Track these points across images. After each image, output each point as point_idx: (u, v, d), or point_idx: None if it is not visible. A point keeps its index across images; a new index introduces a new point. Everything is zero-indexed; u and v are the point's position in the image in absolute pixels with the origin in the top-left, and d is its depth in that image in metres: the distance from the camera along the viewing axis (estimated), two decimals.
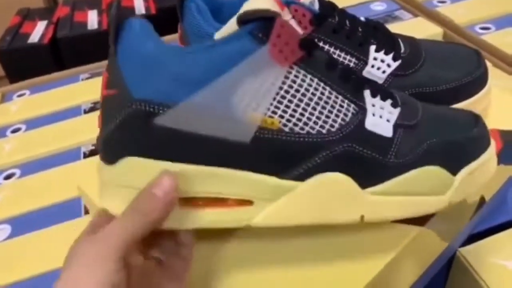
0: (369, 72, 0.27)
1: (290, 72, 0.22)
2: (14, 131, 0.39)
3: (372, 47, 0.28)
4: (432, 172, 0.23)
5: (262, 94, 0.22)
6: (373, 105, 0.23)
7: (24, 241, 0.30)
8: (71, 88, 0.44)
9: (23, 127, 0.39)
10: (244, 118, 0.22)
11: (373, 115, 0.23)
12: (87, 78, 0.45)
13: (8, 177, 0.35)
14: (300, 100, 0.22)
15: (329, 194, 0.23)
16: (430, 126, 0.24)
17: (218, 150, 0.22)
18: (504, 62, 0.37)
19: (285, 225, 0.23)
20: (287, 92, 0.22)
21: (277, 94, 0.22)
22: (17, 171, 0.35)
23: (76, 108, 0.41)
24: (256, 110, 0.22)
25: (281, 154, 0.22)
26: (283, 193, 0.23)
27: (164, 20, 0.53)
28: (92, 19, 0.57)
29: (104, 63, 0.46)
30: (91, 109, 0.40)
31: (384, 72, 0.27)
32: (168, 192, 0.21)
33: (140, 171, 0.22)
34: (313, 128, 0.22)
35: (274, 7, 0.22)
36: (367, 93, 0.24)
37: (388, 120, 0.23)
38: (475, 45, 0.38)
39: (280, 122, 0.22)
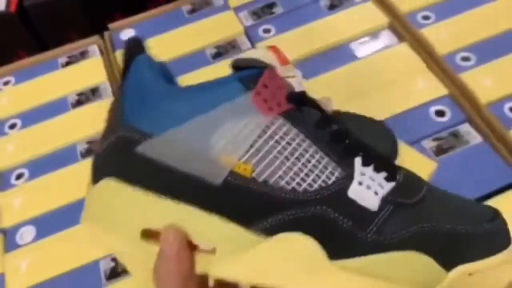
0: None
1: (273, 123, 0.22)
2: (11, 127, 0.44)
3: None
4: (417, 259, 0.21)
5: (240, 139, 0.22)
6: (362, 174, 0.22)
7: (50, 241, 0.36)
8: (53, 77, 0.47)
9: (19, 122, 0.44)
10: (219, 159, 0.22)
11: (360, 184, 0.22)
12: (67, 64, 0.48)
13: (18, 177, 0.41)
14: (280, 153, 0.22)
15: (290, 256, 0.22)
16: (430, 209, 0.22)
17: (190, 187, 0.22)
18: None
19: (245, 281, 0.23)
20: (266, 142, 0.22)
21: (256, 142, 0.22)
22: (26, 171, 0.41)
23: (62, 101, 0.45)
24: (231, 153, 0.22)
25: (250, 204, 0.22)
26: (246, 245, 0.22)
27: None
28: None
29: (79, 43, 0.49)
30: (78, 103, 0.45)
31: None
32: (175, 248, 0.22)
33: (113, 193, 0.23)
34: (288, 184, 0.22)
35: (270, 60, 0.24)
36: (357, 160, 0.22)
37: (376, 193, 0.22)
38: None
39: (253, 171, 0.22)
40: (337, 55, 0.43)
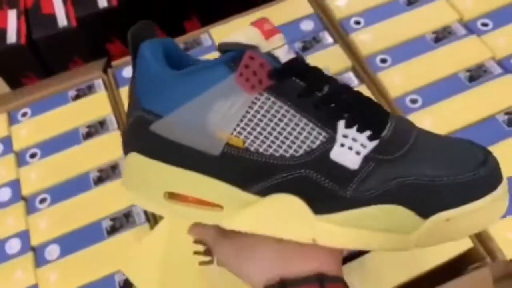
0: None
1: (258, 99, 0.25)
2: (32, 156, 0.51)
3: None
4: (393, 212, 0.24)
5: (230, 116, 0.25)
6: (345, 136, 0.24)
7: (72, 258, 0.44)
8: (64, 110, 0.54)
9: (38, 152, 0.51)
10: (214, 135, 0.25)
11: (342, 145, 0.24)
12: (76, 97, 0.55)
13: (42, 202, 0.48)
14: (266, 125, 0.25)
15: (281, 213, 0.25)
16: (414, 160, 0.24)
17: (195, 158, 0.26)
18: None
19: (251, 231, 0.26)
20: (254, 116, 0.25)
21: (244, 117, 0.25)
22: (48, 196, 0.48)
23: (75, 133, 0.52)
24: (224, 129, 0.25)
25: (245, 170, 0.25)
26: (246, 204, 0.25)
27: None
28: (59, 11, 0.63)
29: (85, 76, 0.56)
30: (88, 134, 0.52)
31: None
32: None
33: (138, 165, 0.27)
34: (276, 151, 0.25)
35: (253, 38, 0.25)
36: (341, 123, 0.25)
37: (357, 153, 0.24)
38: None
39: (245, 142, 0.25)
40: None
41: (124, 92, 0.53)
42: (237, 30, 0.26)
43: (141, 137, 0.27)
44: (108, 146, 0.50)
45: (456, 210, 0.23)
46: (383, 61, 0.52)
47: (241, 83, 0.25)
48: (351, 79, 0.51)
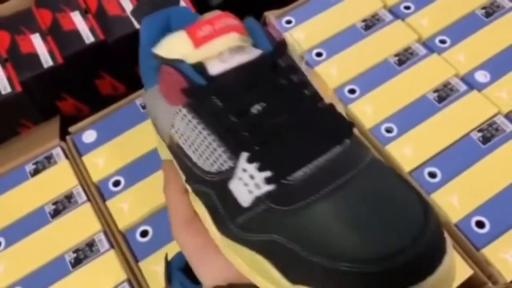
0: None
1: (178, 112, 0.25)
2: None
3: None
4: (262, 263, 0.22)
5: (165, 121, 0.27)
6: (244, 170, 0.23)
7: None
8: (24, 187, 0.49)
9: (3, 241, 0.47)
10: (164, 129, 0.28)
11: (240, 179, 0.23)
12: (35, 172, 0.50)
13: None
14: (189, 136, 0.25)
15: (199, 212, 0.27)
16: (308, 222, 0.20)
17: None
18: None
19: None
20: (178, 127, 0.26)
21: (173, 126, 0.26)
22: None
23: (40, 212, 0.48)
24: (167, 129, 0.27)
25: (185, 167, 0.27)
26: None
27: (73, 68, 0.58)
28: (40, 48, 0.58)
29: (40, 139, 0.52)
30: (56, 212, 0.48)
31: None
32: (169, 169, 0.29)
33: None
34: (198, 160, 0.25)
35: (180, 48, 0.25)
36: (244, 155, 0.23)
37: (250, 191, 0.22)
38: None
39: (182, 144, 0.26)
40: None
41: (87, 160, 0.49)
42: (169, 36, 0.25)
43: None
44: (80, 223, 0.46)
45: None
46: (352, 91, 0.51)
47: (163, 95, 0.26)
48: None
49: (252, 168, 0.22)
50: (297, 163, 0.22)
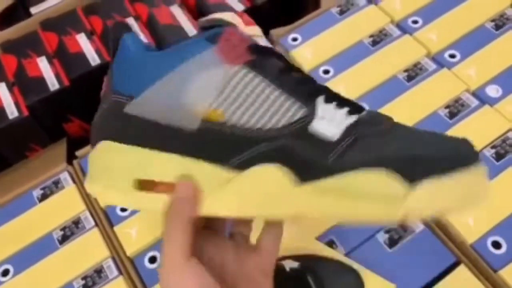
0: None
1: (238, 72, 0.25)
2: (4, 274, 0.46)
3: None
4: (377, 176, 0.23)
5: (209, 89, 0.25)
6: (324, 110, 0.25)
7: None
8: (32, 213, 0.49)
9: (11, 268, 0.46)
10: (192, 109, 0.25)
11: (322, 118, 0.25)
12: (42, 197, 0.50)
13: None
14: (246, 98, 0.24)
15: (263, 185, 0.24)
16: (395, 138, 0.24)
17: (171, 137, 0.25)
18: None
19: (229, 215, 0.25)
20: (233, 89, 0.25)
21: (224, 90, 0.25)
22: None
23: (48, 238, 0.47)
24: (202, 102, 0.25)
25: (224, 144, 0.25)
26: (224, 182, 0.25)
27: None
28: (7, 102, 0.58)
29: (47, 164, 0.52)
30: (64, 238, 0.47)
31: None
32: (191, 189, 0.24)
33: (108, 153, 0.26)
34: (257, 124, 0.24)
35: (234, 20, 0.28)
36: (320, 98, 0.25)
37: (337, 125, 0.24)
38: None
39: (224, 115, 0.25)
40: None
41: None
42: (218, 14, 0.27)
43: (115, 121, 0.26)
44: (89, 249, 0.46)
45: (447, 176, 0.23)
46: None
47: (221, 55, 0.25)
48: None
49: (332, 106, 0.25)
50: (356, 106, 0.26)
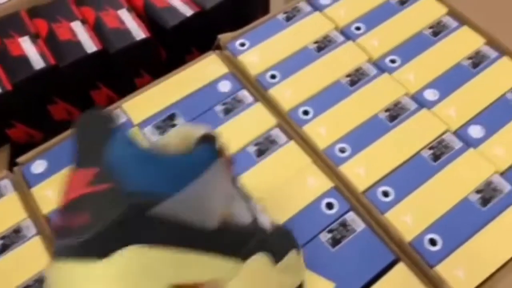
0: None
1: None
2: None
3: None
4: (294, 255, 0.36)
5: (225, 195, 0.29)
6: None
7: None
8: None
9: None
10: (217, 213, 0.28)
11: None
12: None
13: None
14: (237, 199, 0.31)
15: (261, 270, 0.31)
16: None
17: (197, 236, 0.26)
18: None
19: None
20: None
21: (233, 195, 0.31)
22: None
23: None
24: (225, 208, 0.29)
25: (234, 238, 0.29)
26: (237, 273, 0.29)
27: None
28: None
29: None
30: (3, 247, 0.46)
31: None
32: None
33: (138, 260, 0.24)
34: (248, 219, 0.31)
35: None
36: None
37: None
38: None
39: (230, 214, 0.29)
40: (237, 159, 0.49)
41: (36, 192, 0.48)
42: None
43: (139, 224, 0.24)
44: (30, 259, 0.45)
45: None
46: (305, 113, 0.52)
47: (225, 167, 0.30)
48: (279, 137, 0.50)
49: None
50: None
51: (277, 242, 0.33)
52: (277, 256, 0.32)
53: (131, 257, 0.24)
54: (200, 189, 0.27)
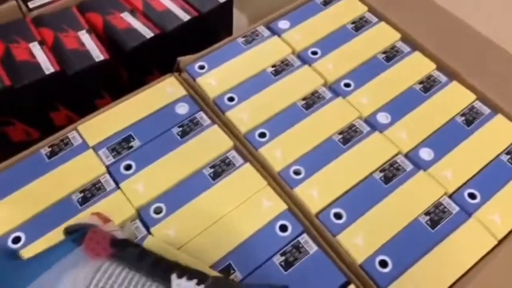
0: None
1: (103, 264, 0.30)
2: None
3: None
4: None
5: (80, 281, 0.29)
6: (178, 285, 0.31)
7: None
8: None
9: None
10: None
11: None
12: None
13: None
14: (112, 285, 0.29)
15: None
16: None
17: None
18: None
19: None
20: (99, 280, 0.29)
21: (91, 283, 0.29)
22: None
23: None
24: None
25: None
26: None
27: None
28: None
29: None
30: None
31: None
32: None
33: None
34: None
35: (95, 222, 0.32)
36: (174, 275, 0.31)
37: None
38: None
39: None
40: (192, 182, 0.49)
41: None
42: (80, 217, 0.33)
43: None
44: None
45: None
46: (262, 135, 0.52)
47: (88, 252, 0.30)
48: (236, 158, 0.51)
49: (182, 280, 0.31)
50: (202, 276, 0.32)
51: None
52: None
53: None
54: (41, 285, 0.29)
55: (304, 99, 0.55)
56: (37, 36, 0.61)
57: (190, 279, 0.31)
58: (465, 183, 0.50)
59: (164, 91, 0.55)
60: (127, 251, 0.31)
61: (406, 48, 0.60)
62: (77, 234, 0.31)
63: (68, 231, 0.32)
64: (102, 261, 0.30)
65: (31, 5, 0.66)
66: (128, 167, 0.50)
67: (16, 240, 0.44)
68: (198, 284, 0.31)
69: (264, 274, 0.44)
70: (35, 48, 0.60)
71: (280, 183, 0.49)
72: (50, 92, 0.60)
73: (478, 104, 0.55)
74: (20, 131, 0.63)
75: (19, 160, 0.51)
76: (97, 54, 0.60)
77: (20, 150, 0.52)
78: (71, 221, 0.34)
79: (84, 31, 0.62)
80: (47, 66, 0.58)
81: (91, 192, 0.48)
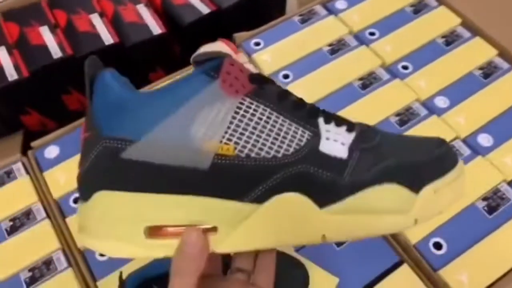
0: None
1: (242, 103, 0.25)
2: None
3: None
4: (389, 190, 0.25)
5: (217, 123, 0.24)
6: (327, 131, 0.26)
7: None
8: None
9: None
10: (202, 147, 0.24)
11: (327, 139, 0.26)
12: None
13: None
14: (254, 128, 0.25)
15: (286, 214, 0.25)
16: (389, 148, 0.26)
17: (181, 178, 0.24)
18: None
19: (251, 249, 0.25)
20: (240, 121, 0.25)
21: (231, 123, 0.24)
22: None
23: None
24: (212, 138, 0.24)
25: (239, 178, 0.24)
26: (244, 217, 0.24)
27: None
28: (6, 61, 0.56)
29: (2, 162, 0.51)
30: (13, 229, 0.47)
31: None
32: (199, 246, 0.24)
33: (109, 204, 0.24)
34: (268, 153, 0.24)
35: (225, 49, 0.26)
36: (320, 120, 0.26)
37: (342, 143, 0.26)
38: None
39: (235, 148, 0.24)
40: None
41: (48, 176, 0.48)
42: (208, 45, 0.26)
43: (111, 169, 0.24)
44: (38, 241, 0.45)
45: (439, 180, 0.26)
46: None
47: (225, 89, 0.25)
48: None
49: (331, 126, 0.26)
50: (348, 122, 0.27)
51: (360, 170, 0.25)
52: (327, 194, 0.25)
53: (99, 202, 0.24)
54: (176, 125, 0.24)
55: (360, 79, 0.54)
56: (97, 8, 0.63)
57: (339, 125, 0.26)
58: None
59: None
60: (267, 89, 0.26)
61: (466, 33, 0.58)
62: (209, 65, 0.25)
63: (198, 60, 0.26)
64: (242, 99, 0.25)
65: None
66: None
67: (77, 200, 0.46)
68: (348, 131, 0.26)
69: (316, 248, 0.44)
70: (96, 19, 0.61)
71: None
72: (108, 63, 0.61)
73: None
74: (76, 100, 0.64)
75: (78, 127, 0.52)
76: (155, 27, 0.61)
77: (74, 118, 0.54)
78: None
79: (142, 5, 0.63)
80: (107, 37, 0.59)
81: None
